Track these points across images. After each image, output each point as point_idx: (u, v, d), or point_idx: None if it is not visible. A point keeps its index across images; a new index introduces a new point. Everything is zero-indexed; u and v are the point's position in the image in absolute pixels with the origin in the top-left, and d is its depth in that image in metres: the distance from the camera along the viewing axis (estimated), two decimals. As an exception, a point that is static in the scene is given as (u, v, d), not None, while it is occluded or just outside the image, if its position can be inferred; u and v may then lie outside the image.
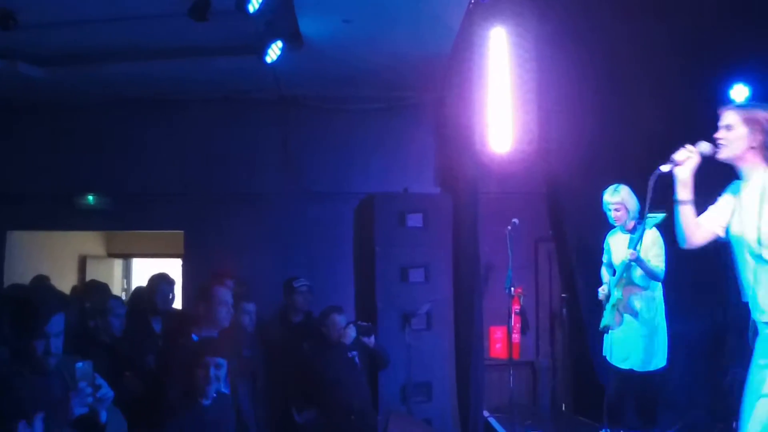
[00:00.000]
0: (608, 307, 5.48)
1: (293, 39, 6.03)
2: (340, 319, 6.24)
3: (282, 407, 5.96)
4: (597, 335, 5.74)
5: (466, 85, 6.74)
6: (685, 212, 3.56)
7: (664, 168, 3.53)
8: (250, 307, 5.96)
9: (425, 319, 7.27)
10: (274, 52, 5.93)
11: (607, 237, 5.85)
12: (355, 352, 6.23)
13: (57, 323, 2.96)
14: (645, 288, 5.52)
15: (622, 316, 5.42)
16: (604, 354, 5.67)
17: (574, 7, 6.20)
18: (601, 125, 6.64)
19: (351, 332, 6.24)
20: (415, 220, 7.44)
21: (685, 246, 3.66)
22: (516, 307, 7.44)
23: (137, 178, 7.84)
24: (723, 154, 3.54)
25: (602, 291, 5.69)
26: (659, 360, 5.47)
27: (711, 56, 6.39)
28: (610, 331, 5.51)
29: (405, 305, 7.14)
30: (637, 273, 5.45)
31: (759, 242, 3.41)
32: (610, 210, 5.64)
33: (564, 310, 7.33)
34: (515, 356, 7.26)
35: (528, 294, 7.64)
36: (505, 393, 6.60)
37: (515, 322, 7.40)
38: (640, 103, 6.45)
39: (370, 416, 6.11)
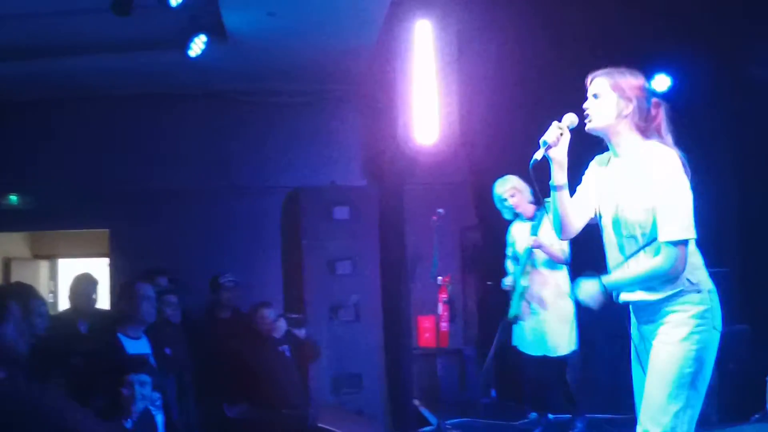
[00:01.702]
0: (515, 296, 5.61)
1: (217, 33, 6.02)
2: (269, 313, 6.31)
3: (213, 403, 5.98)
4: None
5: (390, 78, 6.84)
6: (563, 198, 3.35)
7: (538, 154, 3.18)
8: (172, 299, 6.00)
9: (353, 310, 7.39)
10: (197, 46, 5.93)
11: (509, 229, 6.00)
12: (285, 346, 6.30)
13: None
14: (549, 274, 5.66)
15: (529, 304, 5.58)
16: (514, 343, 5.83)
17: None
18: (523, 116, 6.82)
19: (281, 325, 6.33)
20: (341, 212, 7.55)
21: (563, 237, 3.50)
22: (443, 296, 7.59)
23: (61, 177, 7.67)
24: (591, 126, 3.29)
25: (508, 282, 5.82)
26: (568, 344, 5.61)
27: (632, 46, 6.61)
28: (519, 320, 5.65)
29: (333, 297, 7.28)
30: (540, 259, 5.59)
31: (619, 220, 3.29)
32: (505, 200, 5.77)
33: (490, 298, 7.51)
34: (444, 345, 7.43)
35: (455, 283, 7.80)
36: (435, 381, 6.77)
37: (443, 311, 7.56)
38: (561, 94, 6.64)
39: (301, 409, 6.19)
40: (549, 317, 5.63)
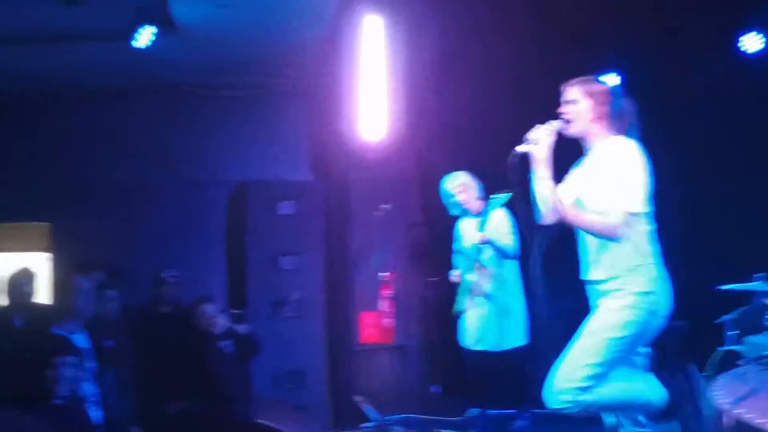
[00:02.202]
0: (461, 291, 5.68)
1: (166, 24, 5.93)
2: (209, 309, 6.30)
3: (153, 398, 5.94)
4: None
5: (339, 73, 6.84)
6: (545, 187, 3.68)
7: (521, 148, 3.63)
8: (111, 293, 5.97)
9: (297, 306, 7.38)
10: (145, 37, 5.83)
11: (456, 224, 6.07)
12: (226, 342, 6.28)
13: None
14: (497, 268, 5.74)
15: (474, 299, 5.65)
16: (459, 338, 5.91)
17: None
18: (470, 113, 6.88)
19: (222, 321, 6.31)
20: (286, 207, 7.52)
21: (543, 222, 3.81)
22: (387, 292, 7.65)
23: (1, 170, 7.47)
24: (572, 129, 3.69)
25: (454, 276, 5.89)
26: (515, 339, 5.71)
27: (582, 45, 6.71)
28: (463, 315, 5.73)
29: (276, 293, 7.26)
30: (487, 255, 5.66)
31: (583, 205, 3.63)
32: (453, 196, 5.86)
33: (434, 294, 7.57)
34: (387, 341, 7.48)
35: (399, 279, 7.83)
36: (377, 378, 6.81)
37: (386, 307, 7.61)
38: (508, 92, 6.71)
39: (243, 405, 6.17)
40: (494, 312, 5.71)
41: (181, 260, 7.01)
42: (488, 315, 5.73)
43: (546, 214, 3.77)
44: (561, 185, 3.77)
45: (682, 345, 6.25)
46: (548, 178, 3.67)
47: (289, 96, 7.78)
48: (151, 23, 5.80)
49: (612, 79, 7.63)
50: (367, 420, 6.52)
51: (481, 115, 6.81)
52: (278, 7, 6.05)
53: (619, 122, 3.71)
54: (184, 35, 6.25)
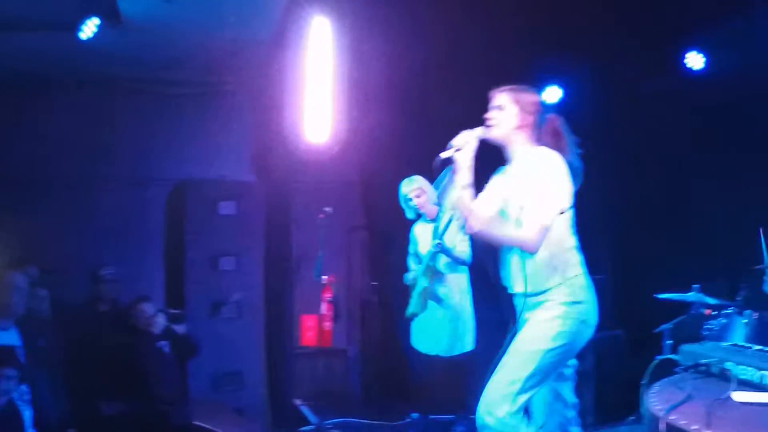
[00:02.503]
0: (415, 294, 5.69)
1: (111, 16, 5.84)
2: (147, 308, 6.25)
3: (87, 398, 5.84)
4: (406, 322, 6.00)
5: (285, 74, 6.83)
6: (466, 197, 3.63)
7: (445, 154, 3.59)
8: (42, 291, 5.89)
9: (236, 307, 7.33)
10: (89, 29, 5.74)
11: (413, 227, 6.13)
12: (164, 342, 6.22)
13: None
14: (450, 275, 5.80)
15: (427, 303, 5.66)
16: (411, 341, 5.93)
17: (392, 1, 6.41)
18: (415, 119, 6.94)
19: (160, 321, 6.25)
20: (227, 207, 7.46)
21: (466, 232, 3.91)
22: (328, 296, 7.67)
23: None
24: (493, 134, 3.66)
25: (409, 278, 5.96)
26: (464, 345, 5.74)
27: (523, 58, 6.82)
28: (416, 318, 5.73)
29: (215, 294, 7.20)
30: (442, 261, 5.69)
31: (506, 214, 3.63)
32: (410, 200, 5.90)
33: (375, 298, 7.61)
34: (327, 344, 7.49)
35: (340, 282, 7.86)
36: (317, 381, 6.80)
37: (327, 310, 7.63)
38: (452, 100, 6.79)
39: (180, 406, 6.11)
40: (447, 317, 5.75)
41: (120, 258, 6.90)
42: (441, 320, 5.77)
43: (468, 225, 3.73)
44: (481, 195, 3.74)
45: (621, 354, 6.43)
46: (468, 187, 3.64)
47: (234, 95, 7.69)
48: (96, 14, 5.72)
49: (554, 92, 7.82)
50: (307, 423, 6.52)
51: (427, 120, 6.87)
52: (225, 5, 6.00)
53: (539, 134, 3.70)
54: (130, 29, 6.15)
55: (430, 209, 5.88)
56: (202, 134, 7.62)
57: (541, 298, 3.51)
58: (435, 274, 5.67)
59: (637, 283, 6.99)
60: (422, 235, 5.95)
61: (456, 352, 5.73)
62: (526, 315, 3.58)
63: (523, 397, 3.41)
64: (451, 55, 6.74)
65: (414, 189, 5.90)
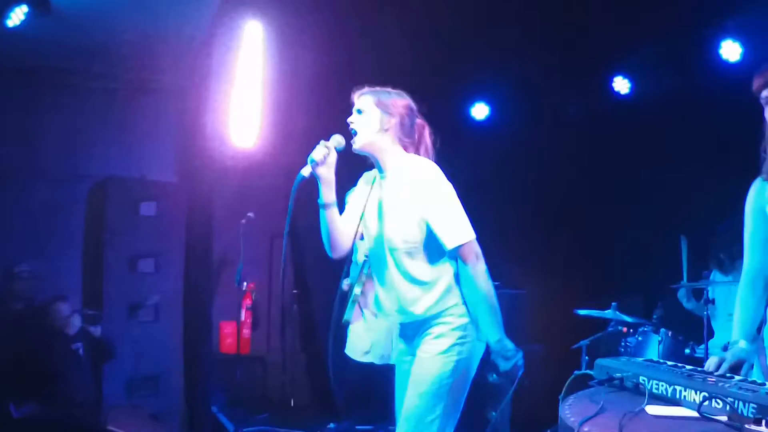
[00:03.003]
0: (349, 302, 5.61)
1: (40, 4, 5.70)
2: (63, 308, 6.13)
3: (-2, 400, 5.67)
4: (329, 330, 6.00)
5: (214, 75, 6.81)
6: (332, 216, 3.43)
7: (306, 171, 3.31)
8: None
9: (153, 310, 7.21)
10: (17, 16, 5.60)
11: None
12: (79, 343, 6.09)
13: None
14: None
15: (362, 311, 5.66)
16: (345, 350, 5.93)
17: (324, 8, 6.45)
18: (343, 127, 6.97)
19: (75, 322, 6.12)
20: (148, 208, 7.33)
21: (335, 255, 3.54)
22: (248, 302, 7.63)
23: None
24: (357, 143, 3.40)
25: (345, 285, 5.95)
26: None
27: (453, 74, 6.95)
28: (350, 326, 5.71)
29: (133, 295, 7.06)
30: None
31: (384, 235, 3.43)
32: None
33: (295, 306, 7.61)
34: (245, 351, 7.44)
35: (261, 289, 7.83)
36: (234, 388, 6.74)
37: (246, 317, 7.58)
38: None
39: (94, 410, 5.99)
40: (380, 326, 5.73)
41: (37, 255, 6.70)
42: (375, 328, 5.74)
43: (336, 248, 3.53)
44: (346, 214, 3.55)
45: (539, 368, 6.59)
46: (334, 204, 3.44)
47: (161, 93, 7.58)
48: (25, 2, 5.58)
49: (482, 109, 8.01)
50: (223, 430, 6.48)
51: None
52: (160, 2, 5.96)
53: (408, 140, 3.46)
54: (58, 18, 6.01)
55: None
56: (127, 131, 7.47)
57: (434, 320, 3.38)
58: (370, 283, 5.68)
59: (557, 298, 7.18)
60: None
61: (392, 361, 5.75)
62: (418, 339, 3.44)
63: (444, 425, 3.34)
64: (381, 65, 6.80)
65: None
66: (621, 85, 7.24)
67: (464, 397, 3.42)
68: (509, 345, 3.29)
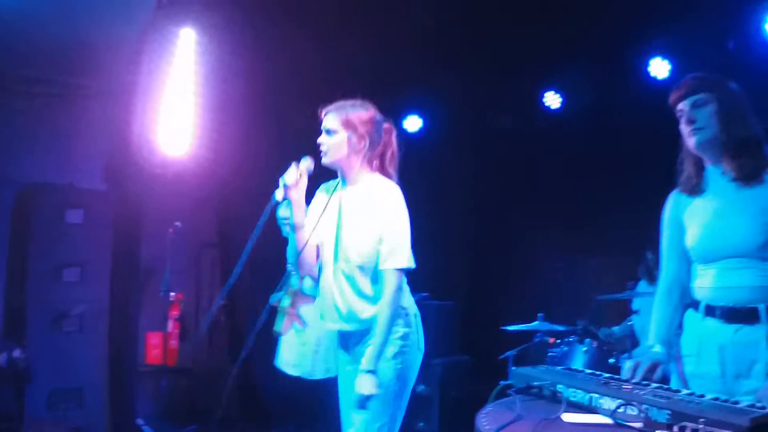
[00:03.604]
0: (279, 313, 5.70)
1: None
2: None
3: None
4: (258, 343, 5.99)
5: (146, 83, 6.77)
6: (302, 237, 3.55)
7: (279, 195, 3.41)
8: None
9: (78, 321, 7.08)
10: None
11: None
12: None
13: None
14: (313, 296, 5.87)
15: (291, 323, 5.67)
16: (275, 362, 5.90)
17: (259, 19, 6.49)
18: (274, 139, 7.00)
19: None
20: (75, 216, 7.20)
21: (302, 273, 3.78)
22: (175, 313, 7.57)
23: None
24: (326, 160, 3.56)
25: (275, 297, 5.94)
26: (328, 369, 5.59)
27: (387, 86, 7.03)
28: (281, 338, 5.75)
29: (57, 305, 6.92)
30: (307, 282, 5.69)
31: (340, 248, 3.57)
32: (284, 221, 5.94)
33: (223, 318, 7.57)
34: (171, 363, 7.37)
35: (189, 300, 7.78)
36: (161, 400, 6.67)
37: (173, 328, 7.52)
38: (310, 123, 6.91)
39: (14, 425, 5.87)
40: (309, 339, 5.72)
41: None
42: (304, 341, 5.73)
43: (309, 267, 3.69)
44: (309, 217, 3.63)
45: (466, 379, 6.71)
46: (303, 227, 3.56)
47: (91, 98, 7.42)
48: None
49: (414, 122, 8.12)
50: (149, 443, 6.43)
51: (283, 143, 6.94)
52: (93, 6, 5.91)
53: (374, 155, 3.61)
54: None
55: None
56: (54, 136, 7.29)
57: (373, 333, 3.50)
58: (298, 295, 5.69)
59: (485, 309, 7.31)
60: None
61: (318, 376, 5.67)
62: (361, 348, 3.57)
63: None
64: (315, 76, 6.86)
65: (287, 211, 5.88)
66: (552, 99, 7.44)
67: (406, 403, 3.57)
68: (374, 381, 3.42)
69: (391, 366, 3.50)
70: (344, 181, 3.65)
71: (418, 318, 3.64)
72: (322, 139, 3.56)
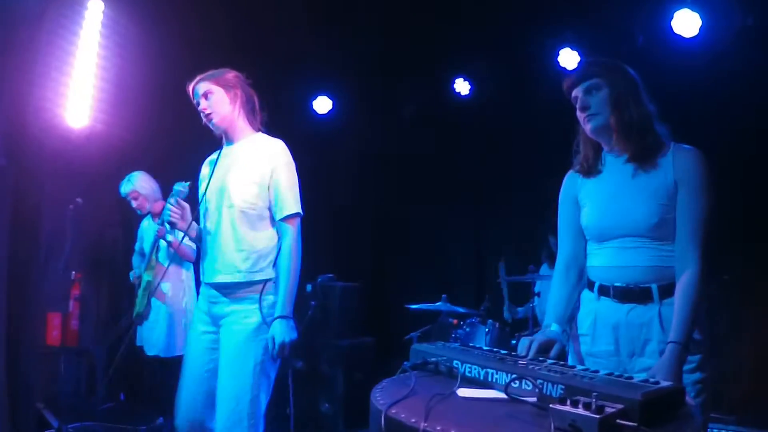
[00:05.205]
0: (140, 293, 5.59)
1: None
2: None
3: None
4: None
5: (47, 53, 6.64)
6: (199, 236, 3.92)
7: (170, 237, 4.02)
8: None
9: (-26, 301, 6.95)
10: None
11: (141, 225, 6.19)
12: None
13: None
14: (173, 268, 5.82)
15: (151, 300, 5.57)
16: (138, 342, 5.95)
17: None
18: (176, 116, 6.97)
19: None
20: (-28, 191, 7.05)
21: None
22: (75, 293, 7.47)
23: None
24: (215, 120, 3.84)
25: (134, 275, 5.88)
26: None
27: (295, 64, 7.10)
28: (141, 318, 5.63)
29: (-48, 285, 6.77)
30: (166, 254, 5.71)
31: (224, 194, 3.78)
32: (131, 201, 5.94)
33: (124, 297, 7.51)
34: (71, 344, 7.29)
35: (90, 279, 7.68)
36: (61, 382, 6.61)
37: (74, 308, 7.43)
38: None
39: None
40: (166, 315, 5.77)
41: None
42: (161, 318, 5.76)
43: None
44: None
45: (371, 360, 6.85)
46: (194, 229, 3.95)
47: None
48: None
49: (324, 103, 8.20)
50: (48, 426, 6.36)
51: (185, 120, 6.93)
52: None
53: (253, 116, 3.91)
54: None
55: (154, 207, 5.88)
56: (-49, 110, 7.12)
57: (244, 291, 3.69)
58: (159, 268, 5.62)
59: (389, 291, 7.45)
60: (148, 231, 5.94)
61: (175, 353, 5.70)
62: (225, 306, 3.73)
63: (260, 402, 3.60)
64: (223, 52, 6.84)
65: (130, 192, 5.87)
66: (461, 86, 7.60)
67: (275, 373, 3.67)
68: (289, 325, 3.59)
69: (258, 336, 3.64)
70: (229, 142, 3.88)
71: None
72: (203, 104, 3.81)
